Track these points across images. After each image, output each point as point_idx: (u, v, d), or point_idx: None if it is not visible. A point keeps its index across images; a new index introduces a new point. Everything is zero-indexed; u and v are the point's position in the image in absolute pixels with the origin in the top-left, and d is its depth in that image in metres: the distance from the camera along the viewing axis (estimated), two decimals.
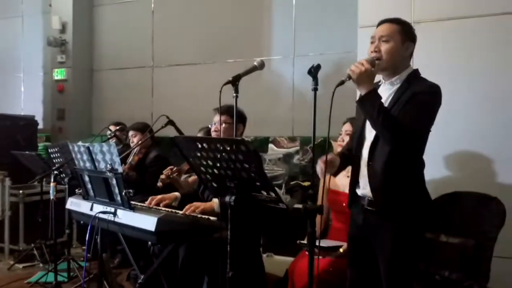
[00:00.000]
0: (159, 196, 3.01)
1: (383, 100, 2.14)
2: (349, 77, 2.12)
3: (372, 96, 2.10)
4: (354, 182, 2.32)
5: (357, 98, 2.17)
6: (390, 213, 2.16)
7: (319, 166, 2.19)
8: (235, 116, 2.34)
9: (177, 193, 3.13)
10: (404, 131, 2.06)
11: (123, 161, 4.07)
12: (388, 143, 2.11)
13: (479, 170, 3.24)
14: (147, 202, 2.97)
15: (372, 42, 2.24)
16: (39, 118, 6.69)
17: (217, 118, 3.11)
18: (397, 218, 2.15)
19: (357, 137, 2.32)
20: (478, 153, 3.26)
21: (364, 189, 2.25)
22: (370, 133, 2.22)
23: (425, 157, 2.23)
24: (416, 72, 2.26)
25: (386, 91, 2.25)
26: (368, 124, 2.22)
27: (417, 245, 2.21)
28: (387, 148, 2.12)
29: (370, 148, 2.20)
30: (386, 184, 2.15)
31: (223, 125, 3.00)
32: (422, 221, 2.22)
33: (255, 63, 2.39)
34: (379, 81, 2.32)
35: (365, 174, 2.22)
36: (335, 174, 2.78)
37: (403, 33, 2.22)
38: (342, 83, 2.12)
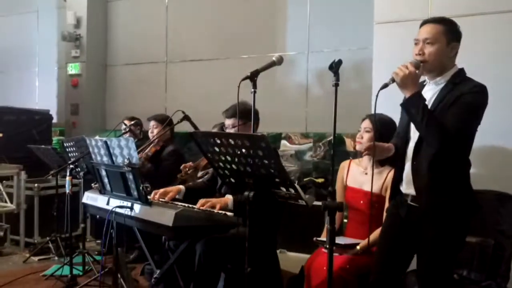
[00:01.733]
0: (161, 190, 2.94)
1: (426, 100, 2.12)
2: (393, 80, 2.11)
3: (416, 99, 2.08)
4: (398, 179, 2.31)
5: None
6: (432, 213, 2.14)
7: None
8: (253, 114, 2.33)
9: (181, 186, 3.06)
10: (448, 134, 2.04)
11: (139, 153, 4.08)
12: (432, 146, 2.09)
13: (499, 167, 3.18)
14: (151, 196, 2.88)
15: (416, 44, 2.20)
16: (53, 112, 6.73)
17: (227, 122, 3.06)
18: (439, 220, 2.13)
19: (401, 137, 2.31)
20: (498, 150, 3.21)
21: (408, 188, 2.24)
22: (414, 134, 2.21)
23: None
24: (461, 71, 2.22)
25: (431, 91, 2.22)
26: (412, 125, 2.20)
27: (456, 250, 2.20)
28: (431, 149, 2.10)
29: (414, 148, 2.19)
30: (429, 185, 2.13)
31: (234, 129, 2.94)
32: (464, 225, 2.18)
33: (274, 59, 2.35)
34: (424, 81, 2.29)
35: (409, 173, 2.21)
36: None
37: (448, 34, 2.17)
38: (385, 86, 2.12)
